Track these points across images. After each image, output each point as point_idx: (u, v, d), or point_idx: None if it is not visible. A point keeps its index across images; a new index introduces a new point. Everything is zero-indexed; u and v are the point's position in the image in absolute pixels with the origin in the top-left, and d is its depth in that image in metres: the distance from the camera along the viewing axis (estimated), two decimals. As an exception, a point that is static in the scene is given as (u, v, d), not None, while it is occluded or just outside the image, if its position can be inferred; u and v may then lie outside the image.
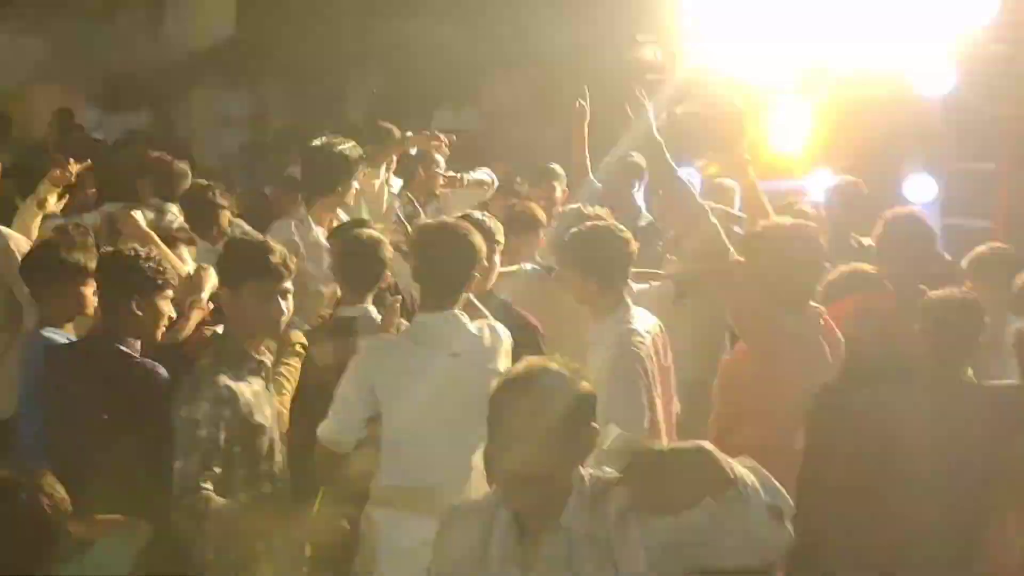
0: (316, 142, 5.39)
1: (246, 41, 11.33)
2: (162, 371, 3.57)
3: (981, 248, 5.18)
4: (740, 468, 2.09)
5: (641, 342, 3.83)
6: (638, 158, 6.14)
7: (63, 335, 3.92)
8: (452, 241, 3.54)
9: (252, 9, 10.92)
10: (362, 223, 4.50)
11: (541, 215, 5.39)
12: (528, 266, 4.95)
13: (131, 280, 3.58)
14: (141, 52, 11.24)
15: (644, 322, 3.98)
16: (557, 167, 6.71)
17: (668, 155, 3.41)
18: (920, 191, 6.71)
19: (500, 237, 4.36)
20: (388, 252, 4.13)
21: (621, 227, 4.08)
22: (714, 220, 3.30)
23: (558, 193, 6.43)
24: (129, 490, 3.18)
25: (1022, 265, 4.95)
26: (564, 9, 9.82)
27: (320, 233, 5.11)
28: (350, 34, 11.32)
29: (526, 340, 3.89)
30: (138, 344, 3.64)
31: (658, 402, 3.87)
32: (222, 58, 11.57)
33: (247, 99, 12.05)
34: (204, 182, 5.92)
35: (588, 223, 4.14)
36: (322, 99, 11.75)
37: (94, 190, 7.05)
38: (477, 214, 4.36)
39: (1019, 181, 7.29)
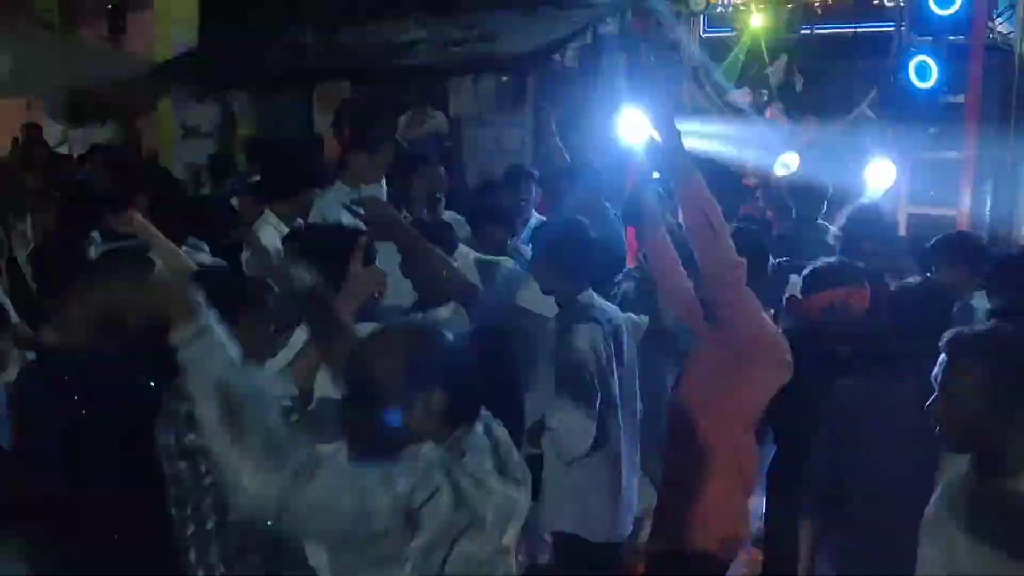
0: (275, 147, 5.35)
1: (210, 51, 11.27)
2: None
3: (948, 233, 5.23)
4: None
5: (598, 329, 3.90)
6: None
7: None
8: None
9: (215, 19, 10.86)
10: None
11: None
12: None
13: None
14: (104, 65, 11.16)
15: (607, 312, 4.05)
16: (530, 168, 6.70)
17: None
18: (881, 178, 6.73)
19: None
20: None
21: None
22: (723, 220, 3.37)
23: (533, 193, 6.37)
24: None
25: (987, 248, 4.99)
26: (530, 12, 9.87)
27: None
28: (315, 42, 11.30)
29: None
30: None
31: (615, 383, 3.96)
32: (186, 69, 11.51)
33: (212, 110, 11.98)
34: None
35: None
36: (288, 108, 11.73)
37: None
38: None
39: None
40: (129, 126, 11.87)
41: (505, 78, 10.44)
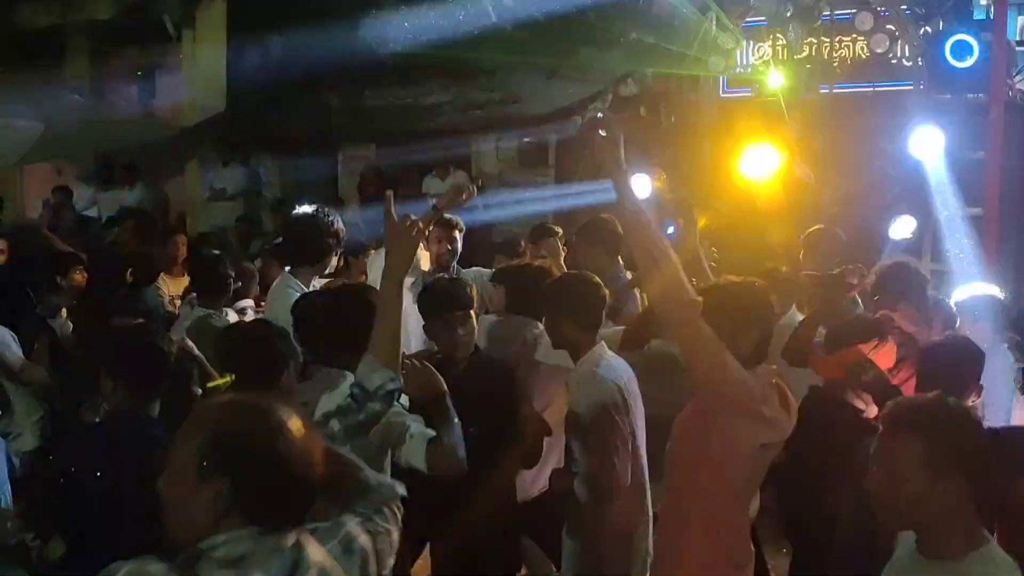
0: (300, 212, 5.43)
1: (238, 116, 11.45)
2: None
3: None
4: None
5: (617, 388, 3.92)
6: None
7: None
8: None
9: (241, 84, 11.05)
10: None
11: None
12: None
13: None
14: (133, 129, 11.36)
15: (616, 368, 4.07)
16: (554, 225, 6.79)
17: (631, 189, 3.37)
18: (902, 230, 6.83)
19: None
20: None
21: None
22: (675, 259, 3.22)
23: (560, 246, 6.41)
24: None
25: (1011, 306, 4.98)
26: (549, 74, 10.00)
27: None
28: (339, 105, 11.47)
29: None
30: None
31: (639, 442, 3.96)
32: (214, 133, 11.70)
33: (240, 173, 12.15)
34: (214, 252, 6.05)
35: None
36: (314, 171, 11.88)
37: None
38: None
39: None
40: (157, 189, 12.04)
41: (527, 139, 10.56)
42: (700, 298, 3.21)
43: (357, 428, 2.98)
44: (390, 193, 3.18)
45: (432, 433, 3.36)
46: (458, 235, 6.06)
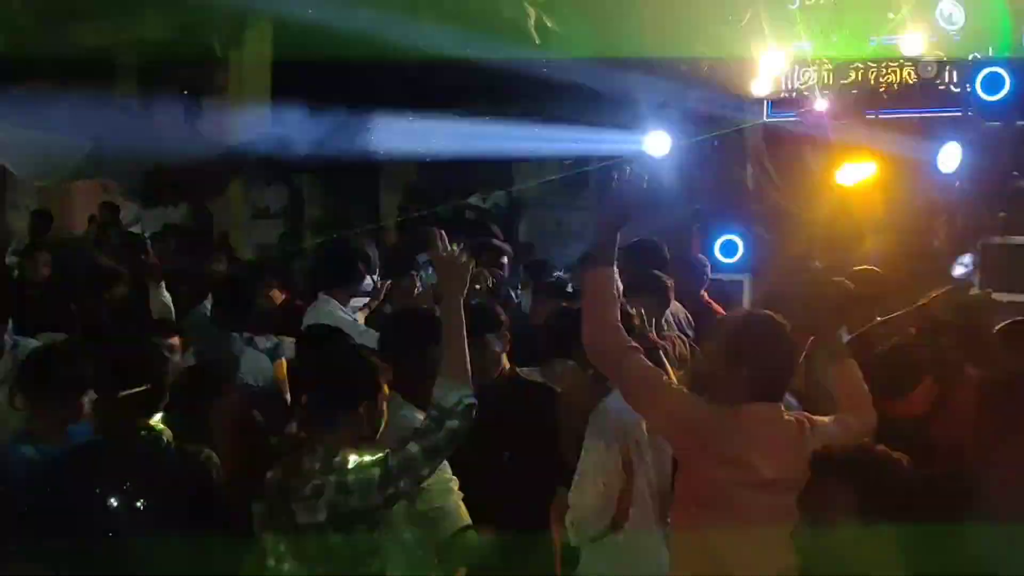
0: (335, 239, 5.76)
1: (280, 135, 11.56)
2: None
3: (1017, 320, 5.10)
4: None
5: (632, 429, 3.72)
6: None
7: None
8: None
9: (285, 104, 11.16)
10: None
11: None
12: None
13: None
14: (179, 147, 11.50)
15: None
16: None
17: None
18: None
19: None
20: None
21: None
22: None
23: None
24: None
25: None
26: (590, 100, 9.98)
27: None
28: (382, 127, 11.53)
29: None
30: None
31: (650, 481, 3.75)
32: (258, 152, 11.82)
33: (283, 192, 12.26)
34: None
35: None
36: (356, 190, 11.96)
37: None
38: None
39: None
40: (201, 207, 12.18)
41: (568, 162, 10.55)
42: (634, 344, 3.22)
43: (436, 449, 3.07)
44: (437, 230, 3.31)
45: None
46: (506, 261, 6.17)
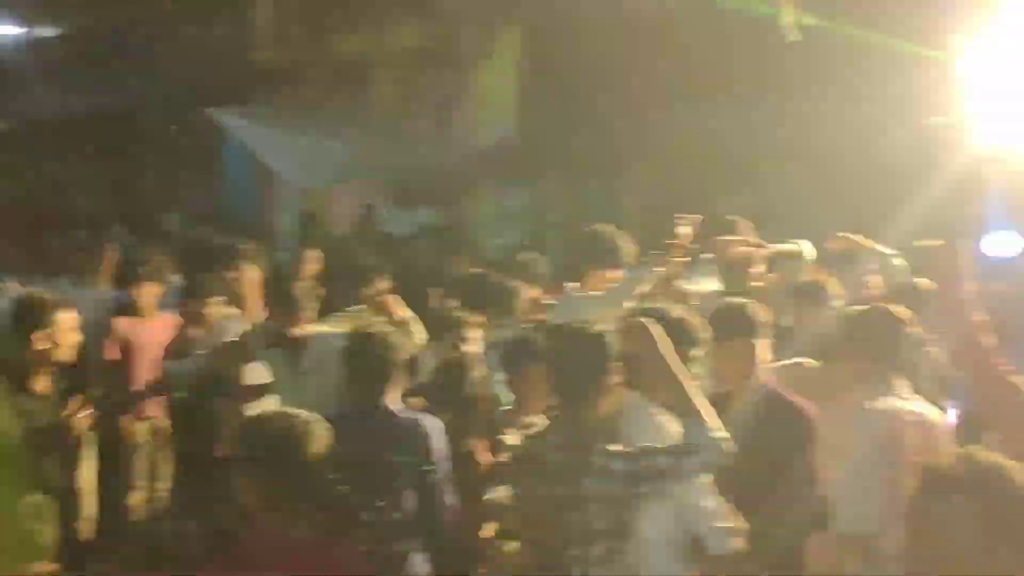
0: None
1: (526, 139, 11.76)
2: None
3: None
4: None
5: None
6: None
7: None
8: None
9: (532, 108, 11.35)
10: None
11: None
12: None
13: None
14: (431, 151, 11.92)
15: None
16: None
17: None
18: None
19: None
20: None
21: None
22: None
23: (866, 276, 6.08)
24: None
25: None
26: (847, 94, 9.60)
27: None
28: (625, 128, 11.52)
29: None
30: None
31: None
32: (504, 156, 12.06)
33: (527, 194, 12.46)
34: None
35: None
36: (599, 192, 11.99)
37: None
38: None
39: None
40: (451, 209, 12.56)
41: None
42: None
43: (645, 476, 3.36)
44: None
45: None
46: None
